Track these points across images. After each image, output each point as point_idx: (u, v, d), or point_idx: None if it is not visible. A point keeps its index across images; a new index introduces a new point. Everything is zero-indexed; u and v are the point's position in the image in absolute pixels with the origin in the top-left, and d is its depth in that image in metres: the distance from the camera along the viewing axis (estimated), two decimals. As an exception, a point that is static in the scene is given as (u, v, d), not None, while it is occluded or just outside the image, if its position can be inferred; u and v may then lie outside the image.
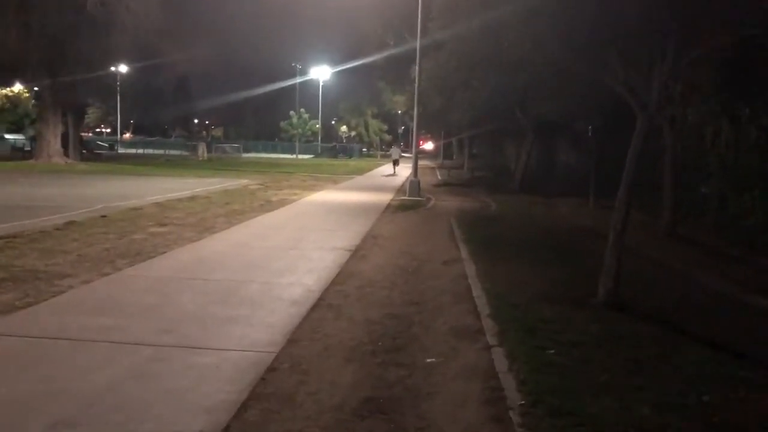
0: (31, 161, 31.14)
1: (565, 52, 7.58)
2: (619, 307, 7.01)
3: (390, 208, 17.24)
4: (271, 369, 4.64)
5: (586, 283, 8.01)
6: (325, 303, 6.65)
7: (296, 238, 11.05)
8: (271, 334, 5.46)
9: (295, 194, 20.09)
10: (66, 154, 33.94)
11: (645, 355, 5.25)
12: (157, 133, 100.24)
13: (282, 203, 17.07)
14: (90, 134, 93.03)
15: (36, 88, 29.83)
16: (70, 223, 11.33)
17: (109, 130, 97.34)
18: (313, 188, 23.27)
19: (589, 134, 25.06)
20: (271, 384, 4.37)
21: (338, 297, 6.95)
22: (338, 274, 8.12)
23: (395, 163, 39.31)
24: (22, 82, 35.85)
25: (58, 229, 10.71)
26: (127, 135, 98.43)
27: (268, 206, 16.11)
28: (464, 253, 10.02)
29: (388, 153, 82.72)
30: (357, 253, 9.80)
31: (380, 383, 4.52)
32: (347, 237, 11.38)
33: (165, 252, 9.15)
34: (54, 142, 31.43)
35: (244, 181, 25.00)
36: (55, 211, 12.98)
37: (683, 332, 6.22)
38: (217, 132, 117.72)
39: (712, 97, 13.51)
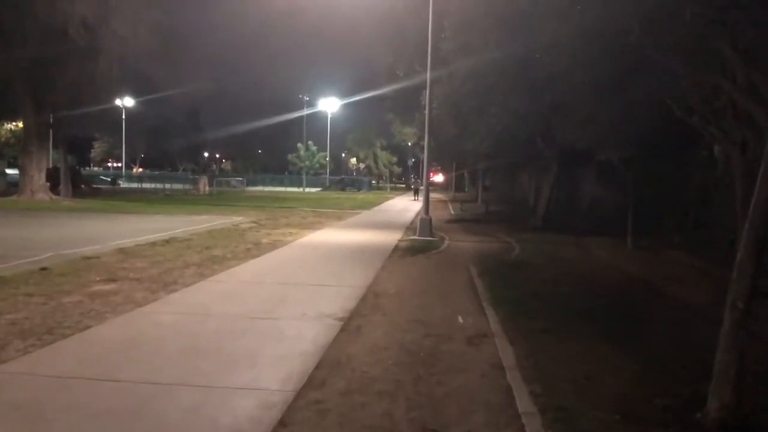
0: (14, 197, 29.05)
1: (653, 45, 5.20)
2: (744, 429, 4.53)
3: (397, 252, 14.79)
4: None
5: (675, 378, 5.58)
6: (287, 434, 4.19)
7: (274, 299, 8.60)
8: None
9: (291, 234, 17.72)
10: (55, 189, 31.91)
11: None
12: (167, 166, 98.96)
13: (273, 246, 14.68)
14: (97, 168, 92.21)
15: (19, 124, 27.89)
16: (-7, 280, 8.99)
17: (118, 164, 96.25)
18: (313, 226, 20.90)
19: (617, 165, 22.78)
20: None
21: (310, 418, 4.48)
22: (318, 366, 5.65)
23: (416, 192, 47.77)
24: (6, 114, 34.03)
25: (-29, 289, 8.38)
26: (137, 169, 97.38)
27: (255, 251, 13.73)
28: (494, 322, 7.54)
29: (399, 185, 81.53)
30: (350, 324, 7.33)
31: None
32: (341, 296, 8.94)
33: (90, 327, 6.73)
34: (38, 177, 29.30)
35: (237, 219, 22.69)
36: (-11, 261, 10.67)
37: None
38: (227, 165, 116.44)
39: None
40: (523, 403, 4.81)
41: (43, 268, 10.15)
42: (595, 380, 5.47)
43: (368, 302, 8.69)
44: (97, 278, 9.61)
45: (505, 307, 8.29)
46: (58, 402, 4.56)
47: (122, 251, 12.64)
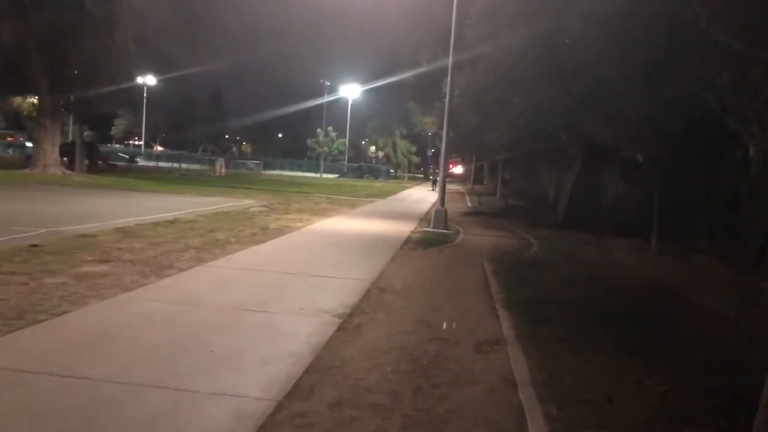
0: (26, 171, 28.83)
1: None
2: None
3: (409, 243, 14.17)
4: None
5: (707, 402, 4.94)
6: (259, 456, 3.61)
7: (272, 289, 8.04)
8: None
9: (301, 220, 17.17)
10: (70, 164, 31.69)
11: None
12: (187, 146, 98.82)
13: (280, 232, 14.13)
14: (117, 146, 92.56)
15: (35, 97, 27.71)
16: (-24, 256, 8.51)
17: (140, 143, 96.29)
18: (325, 213, 20.35)
19: (644, 163, 22.00)
20: None
21: (289, 435, 3.90)
22: (307, 370, 5.06)
23: (434, 182, 47.02)
24: (21, 88, 33.83)
25: (-48, 264, 7.91)
26: (157, 147, 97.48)
27: (261, 236, 13.19)
28: (507, 327, 6.91)
29: (417, 175, 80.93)
30: (350, 322, 6.74)
31: None
32: (344, 290, 8.35)
33: (67, 312, 6.21)
34: (51, 151, 29.01)
35: (248, 202, 22.20)
36: (-20, 235, 10.22)
37: None
38: (247, 147, 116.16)
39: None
40: (536, 428, 4.18)
41: (34, 245, 9.66)
42: (618, 402, 4.83)
43: (372, 298, 8.09)
44: (89, 258, 9.11)
45: (519, 311, 7.64)
46: (5, 401, 4.02)
47: (122, 230, 12.16)
